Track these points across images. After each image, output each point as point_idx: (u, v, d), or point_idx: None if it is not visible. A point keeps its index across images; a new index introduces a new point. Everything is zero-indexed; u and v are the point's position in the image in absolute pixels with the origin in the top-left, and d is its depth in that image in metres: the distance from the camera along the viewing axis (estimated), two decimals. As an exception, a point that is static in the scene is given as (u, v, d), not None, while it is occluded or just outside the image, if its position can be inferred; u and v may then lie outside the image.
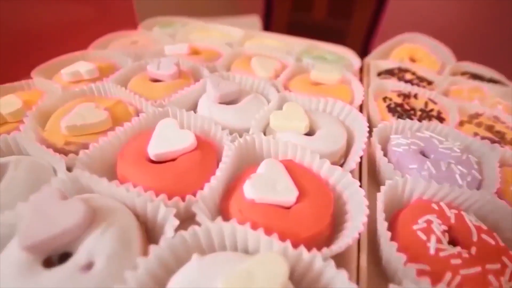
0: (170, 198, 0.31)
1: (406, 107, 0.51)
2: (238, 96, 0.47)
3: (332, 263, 0.25)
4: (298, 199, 0.31)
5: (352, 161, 0.38)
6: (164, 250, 0.26)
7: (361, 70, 0.69)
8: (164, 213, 0.29)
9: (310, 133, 0.42)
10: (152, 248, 0.25)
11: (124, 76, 0.52)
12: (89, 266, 0.25)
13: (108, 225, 0.27)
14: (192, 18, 0.89)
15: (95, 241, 0.26)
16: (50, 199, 0.27)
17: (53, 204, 0.27)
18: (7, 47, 0.66)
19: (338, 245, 0.28)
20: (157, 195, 0.30)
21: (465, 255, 0.28)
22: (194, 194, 0.33)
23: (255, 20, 1.86)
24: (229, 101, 0.46)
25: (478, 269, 0.27)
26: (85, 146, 0.37)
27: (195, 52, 0.62)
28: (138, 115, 0.43)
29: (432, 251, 0.29)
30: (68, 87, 0.49)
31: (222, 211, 0.33)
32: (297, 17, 2.70)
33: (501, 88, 0.60)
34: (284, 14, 2.71)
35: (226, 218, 0.31)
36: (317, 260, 0.25)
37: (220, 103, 0.45)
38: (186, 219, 0.32)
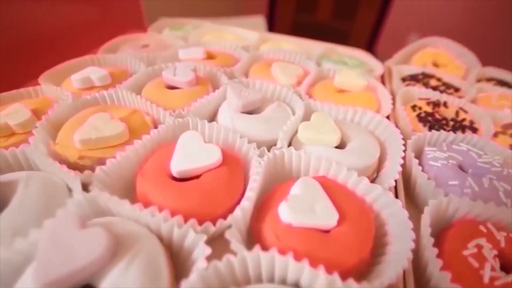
0: (195, 217, 0.28)
1: (437, 116, 0.48)
2: (261, 105, 0.44)
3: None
4: (338, 222, 0.28)
5: (391, 178, 0.35)
6: (197, 284, 0.23)
7: (382, 76, 0.66)
8: (193, 239, 0.26)
9: (340, 145, 0.39)
10: (185, 282, 0.23)
11: (137, 82, 0.49)
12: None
13: (133, 255, 0.24)
14: (197, 18, 0.86)
15: (120, 275, 0.23)
16: (68, 227, 0.24)
17: (72, 233, 0.24)
18: (12, 50, 0.63)
19: (383, 280, 0.25)
20: (182, 215, 0.27)
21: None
22: (222, 215, 0.30)
23: (260, 21, 1.83)
24: (251, 110, 0.44)
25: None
26: (100, 161, 0.35)
27: (210, 56, 0.60)
28: (155, 126, 0.41)
29: (486, 280, 0.26)
30: (79, 94, 0.46)
31: (254, 234, 0.30)
32: (301, 18, 2.68)
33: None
34: (288, 15, 2.69)
35: (260, 242, 0.28)
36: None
37: (242, 112, 0.43)
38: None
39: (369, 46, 2.62)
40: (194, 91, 0.46)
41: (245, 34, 0.77)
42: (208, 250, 0.25)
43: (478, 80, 0.65)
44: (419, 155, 0.41)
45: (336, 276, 0.23)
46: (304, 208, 0.28)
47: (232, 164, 0.34)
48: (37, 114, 0.41)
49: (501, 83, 0.63)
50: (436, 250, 0.27)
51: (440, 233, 0.32)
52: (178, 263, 0.28)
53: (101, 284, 0.23)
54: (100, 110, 0.40)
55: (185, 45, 0.65)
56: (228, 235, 0.26)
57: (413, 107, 0.50)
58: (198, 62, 0.55)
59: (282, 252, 0.25)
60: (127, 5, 0.94)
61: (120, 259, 0.24)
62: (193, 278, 0.23)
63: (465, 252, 0.28)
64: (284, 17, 2.70)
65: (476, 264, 0.27)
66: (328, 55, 0.68)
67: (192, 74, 0.47)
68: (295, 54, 0.63)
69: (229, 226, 0.27)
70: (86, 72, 0.48)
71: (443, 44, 0.72)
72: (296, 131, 0.41)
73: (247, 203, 0.29)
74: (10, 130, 0.38)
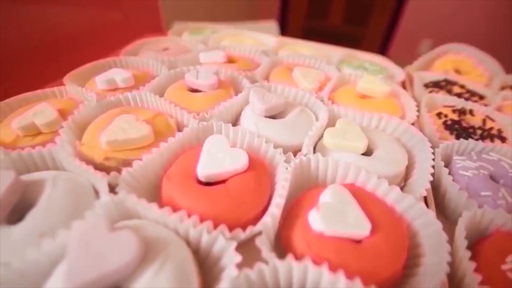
0: (222, 223, 0.27)
1: (464, 124, 0.46)
2: (283, 109, 0.44)
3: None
4: (370, 232, 0.28)
5: (421, 187, 0.34)
6: (228, 293, 0.22)
7: (403, 83, 0.65)
8: (223, 246, 0.26)
9: (366, 153, 0.38)
10: (216, 290, 0.22)
11: (160, 85, 0.49)
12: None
13: (163, 260, 0.23)
14: (212, 23, 0.87)
15: (150, 281, 0.22)
16: (97, 230, 0.24)
17: (101, 237, 0.23)
18: (36, 52, 0.64)
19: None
20: (208, 220, 0.27)
21: None
22: (249, 221, 0.29)
23: (273, 26, 1.84)
24: (274, 114, 0.43)
25: None
26: (125, 162, 0.35)
27: (230, 60, 0.59)
28: (178, 129, 0.41)
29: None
30: (103, 95, 0.46)
31: (283, 242, 0.29)
32: (313, 23, 2.68)
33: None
34: (299, 20, 2.69)
35: (290, 250, 0.28)
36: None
37: (265, 116, 0.42)
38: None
39: (381, 52, 2.60)
40: (216, 94, 0.46)
41: (263, 39, 0.77)
42: (238, 258, 0.24)
43: (502, 88, 0.64)
44: (447, 164, 0.40)
45: (373, 288, 0.22)
46: (336, 217, 0.27)
47: (259, 169, 0.34)
48: (62, 114, 0.41)
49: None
50: (474, 264, 0.26)
51: (474, 245, 0.31)
52: (205, 270, 0.28)
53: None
54: (124, 111, 0.40)
55: (205, 48, 0.65)
56: (259, 243, 0.25)
57: (439, 115, 0.49)
58: (219, 66, 0.55)
59: (315, 262, 0.24)
60: (146, 10, 0.95)
61: (150, 264, 0.23)
62: (225, 286, 0.22)
63: (504, 267, 0.27)
64: (296, 23, 2.70)
65: (515, 280, 0.26)
66: (348, 60, 0.68)
67: (215, 77, 0.47)
68: (315, 59, 0.62)
69: (259, 233, 0.27)
70: (111, 73, 0.48)
71: (465, 51, 0.70)
72: (321, 137, 0.40)
73: (277, 210, 0.28)
74: (37, 129, 0.38)
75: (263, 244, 0.25)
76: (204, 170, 0.31)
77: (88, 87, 0.48)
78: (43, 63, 0.66)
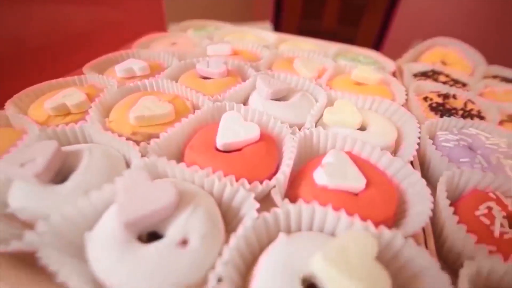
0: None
1: (448, 106, 0.52)
2: (287, 93, 0.49)
3: (411, 240, 0.26)
4: (365, 186, 0.33)
5: (409, 154, 0.39)
6: (249, 230, 0.27)
7: (394, 73, 0.71)
8: (243, 196, 0.30)
9: (360, 129, 0.44)
10: (241, 227, 0.27)
11: (173, 74, 0.54)
12: (184, 242, 0.26)
13: (194, 206, 0.28)
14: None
15: (187, 220, 0.27)
16: (139, 181, 0.28)
17: (144, 186, 0.28)
18: (46, 49, 0.68)
19: (410, 228, 0.29)
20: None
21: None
22: (262, 182, 0.34)
23: (267, 27, 1.89)
24: (278, 98, 0.48)
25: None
26: (149, 137, 0.39)
27: (235, 53, 0.65)
28: (194, 110, 0.45)
29: (496, 234, 0.30)
30: (122, 82, 0.51)
31: (291, 199, 0.34)
32: (306, 24, 2.74)
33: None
34: (293, 21, 2.75)
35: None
36: (398, 238, 0.26)
37: (271, 99, 0.47)
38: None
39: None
40: (226, 81, 0.51)
41: (264, 35, 0.82)
42: (257, 205, 0.29)
43: (484, 77, 0.70)
44: (432, 139, 0.45)
45: (370, 223, 0.27)
46: (337, 173, 0.32)
47: (268, 140, 0.39)
48: (88, 98, 0.45)
49: (506, 80, 0.67)
50: (452, 208, 0.32)
51: (454, 202, 0.36)
52: (225, 222, 0.32)
53: (168, 229, 0.27)
54: (146, 95, 0.45)
55: (211, 43, 0.70)
56: (273, 192, 0.30)
57: (425, 98, 0.54)
58: (226, 58, 0.60)
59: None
60: (150, 10, 1.00)
61: (184, 209, 0.28)
62: (248, 224, 0.27)
63: (477, 213, 0.32)
64: (290, 24, 2.76)
65: (487, 222, 0.31)
66: (343, 54, 0.73)
67: (224, 66, 0.52)
68: (313, 53, 0.68)
69: (273, 187, 0.32)
70: (128, 63, 0.53)
71: (451, 44, 0.76)
72: (321, 117, 0.45)
73: (287, 168, 0.33)
74: (67, 109, 0.43)
75: (276, 194, 0.30)
76: (222, 139, 0.36)
77: (107, 76, 0.53)
78: (53, 60, 0.70)
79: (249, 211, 0.29)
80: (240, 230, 0.27)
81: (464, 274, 0.25)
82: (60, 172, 0.34)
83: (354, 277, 0.22)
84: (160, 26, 1.03)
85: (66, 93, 0.44)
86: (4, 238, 0.27)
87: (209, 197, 0.31)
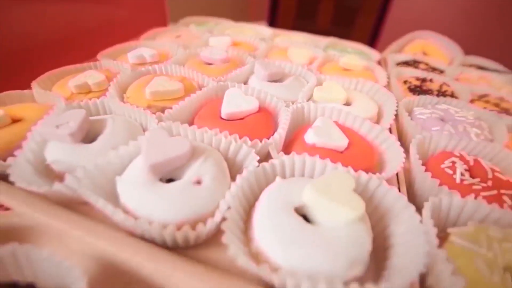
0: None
1: (424, 88, 0.59)
2: (281, 77, 0.55)
3: (384, 182, 0.32)
4: (348, 146, 0.39)
5: (387, 122, 0.45)
6: (252, 174, 0.33)
7: (379, 63, 0.78)
8: (245, 152, 0.36)
9: (346, 105, 0.50)
10: (244, 171, 0.33)
11: (179, 60, 0.60)
12: (198, 182, 0.32)
13: (206, 157, 0.34)
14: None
15: (199, 166, 0.33)
16: (160, 136, 0.34)
17: (164, 139, 0.34)
18: (54, 44, 0.74)
19: (386, 173, 0.35)
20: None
21: (484, 184, 0.36)
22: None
23: (263, 26, 1.95)
24: (274, 80, 0.54)
25: (494, 192, 0.34)
26: (162, 109, 0.45)
27: (235, 44, 0.71)
28: (200, 89, 0.51)
29: (458, 181, 0.36)
30: (134, 68, 0.56)
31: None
32: (301, 24, 2.82)
33: (504, 77, 0.69)
34: (288, 21, 2.83)
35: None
36: (373, 180, 0.32)
37: (267, 81, 0.53)
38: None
39: (367, 53, 2.75)
40: (227, 66, 0.57)
41: (260, 30, 0.88)
42: (257, 157, 0.35)
43: (462, 66, 0.77)
44: (410, 114, 0.52)
45: (350, 168, 0.33)
46: (324, 133, 0.38)
47: (266, 112, 0.45)
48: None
49: (480, 68, 0.74)
50: (420, 161, 0.38)
51: (426, 162, 0.42)
52: (231, 174, 0.38)
53: (185, 174, 0.33)
54: (157, 76, 0.51)
55: (212, 35, 0.76)
56: (270, 148, 0.37)
57: (405, 82, 0.61)
58: (226, 47, 0.66)
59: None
60: (153, 8, 1.06)
61: (197, 158, 0.34)
62: (250, 169, 0.33)
63: (442, 166, 0.39)
64: (285, 24, 2.83)
65: (450, 172, 0.37)
66: (332, 46, 0.80)
67: (225, 53, 0.58)
68: (304, 44, 0.74)
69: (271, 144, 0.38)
70: (140, 51, 0.59)
71: (431, 36, 0.83)
72: (311, 96, 0.52)
73: (282, 131, 0.39)
74: (88, 88, 0.49)
75: (273, 150, 0.36)
76: (227, 109, 0.42)
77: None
78: (65, 52, 0.75)
79: (251, 163, 0.35)
80: (244, 173, 0.32)
81: (428, 204, 0.31)
82: (86, 137, 0.40)
83: (336, 200, 0.28)
84: (162, 25, 1.09)
85: (87, 74, 0.50)
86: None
87: (217, 152, 0.37)
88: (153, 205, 0.30)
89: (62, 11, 0.75)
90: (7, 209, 0.33)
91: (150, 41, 0.69)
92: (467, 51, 0.82)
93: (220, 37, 0.70)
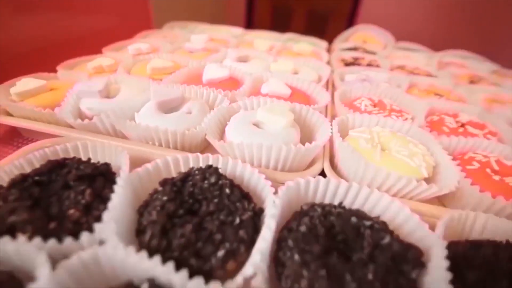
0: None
1: (356, 63, 0.78)
2: (247, 59, 0.73)
3: (311, 109, 0.50)
4: (291, 95, 0.57)
5: (322, 82, 0.64)
6: (224, 107, 0.50)
7: (328, 50, 0.97)
8: (220, 99, 0.54)
9: (294, 74, 0.68)
10: (216, 108, 0.50)
11: (168, 51, 0.77)
12: (189, 112, 0.49)
13: (193, 100, 0.51)
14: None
15: (190, 103, 0.50)
16: (161, 87, 0.51)
17: (165, 89, 0.51)
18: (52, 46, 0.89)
19: (318, 104, 0.53)
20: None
21: (381, 111, 0.54)
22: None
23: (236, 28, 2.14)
24: (242, 62, 0.72)
25: (387, 113, 0.53)
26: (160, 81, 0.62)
27: (212, 40, 0.89)
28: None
29: (362, 109, 0.54)
30: (134, 57, 0.73)
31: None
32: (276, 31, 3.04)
33: (423, 54, 0.89)
34: (263, 29, 3.05)
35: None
36: (303, 108, 0.50)
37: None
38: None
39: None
40: (205, 54, 0.75)
41: (233, 30, 1.07)
42: (226, 99, 0.52)
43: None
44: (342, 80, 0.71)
45: (288, 102, 0.51)
46: (274, 86, 0.56)
47: (235, 79, 0.62)
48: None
49: (407, 49, 0.95)
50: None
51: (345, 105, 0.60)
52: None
53: (181, 107, 0.50)
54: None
55: (193, 33, 0.94)
56: (238, 96, 0.54)
57: (342, 60, 0.80)
58: (205, 42, 0.84)
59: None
60: (139, 14, 1.23)
61: (188, 101, 0.51)
62: (223, 105, 0.50)
63: (354, 102, 0.57)
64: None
65: (358, 106, 0.56)
66: (292, 39, 0.99)
67: (204, 45, 0.76)
68: (268, 38, 0.93)
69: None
70: (138, 45, 0.76)
71: (370, 29, 1.04)
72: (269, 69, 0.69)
73: (246, 86, 0.57)
74: (102, 69, 0.65)
75: (240, 96, 0.54)
76: (207, 76, 0.59)
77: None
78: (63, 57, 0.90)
79: (222, 103, 0.52)
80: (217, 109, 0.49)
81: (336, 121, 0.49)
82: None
83: (277, 114, 0.45)
84: (148, 27, 1.26)
85: (101, 59, 0.67)
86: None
87: (200, 98, 0.54)
88: (161, 124, 0.46)
89: (48, 20, 0.89)
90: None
91: (143, 38, 0.86)
92: (435, 48, 1.01)
93: (199, 35, 0.88)
